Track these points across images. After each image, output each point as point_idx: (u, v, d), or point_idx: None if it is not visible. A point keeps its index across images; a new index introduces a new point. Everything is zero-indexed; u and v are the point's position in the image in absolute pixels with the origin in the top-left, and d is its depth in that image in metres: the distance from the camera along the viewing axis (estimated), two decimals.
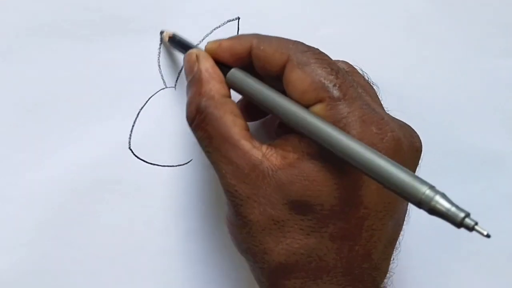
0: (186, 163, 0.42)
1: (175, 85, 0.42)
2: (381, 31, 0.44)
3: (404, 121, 0.38)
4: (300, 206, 0.34)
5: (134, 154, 0.42)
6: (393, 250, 0.38)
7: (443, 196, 0.30)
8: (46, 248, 0.41)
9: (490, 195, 0.46)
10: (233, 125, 0.36)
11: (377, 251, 0.36)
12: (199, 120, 0.37)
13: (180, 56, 0.41)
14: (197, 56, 0.38)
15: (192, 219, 0.43)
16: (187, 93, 0.38)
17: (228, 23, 0.42)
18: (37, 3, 0.40)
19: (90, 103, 0.41)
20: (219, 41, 0.38)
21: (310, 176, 0.34)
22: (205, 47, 0.39)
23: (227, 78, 0.38)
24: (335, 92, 0.35)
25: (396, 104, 0.40)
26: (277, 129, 0.40)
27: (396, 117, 0.37)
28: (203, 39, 0.42)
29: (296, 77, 0.35)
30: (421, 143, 0.37)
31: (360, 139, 0.34)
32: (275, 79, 0.37)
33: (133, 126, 0.42)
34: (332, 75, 0.35)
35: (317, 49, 0.37)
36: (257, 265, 0.36)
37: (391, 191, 0.31)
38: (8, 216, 0.40)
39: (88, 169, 0.41)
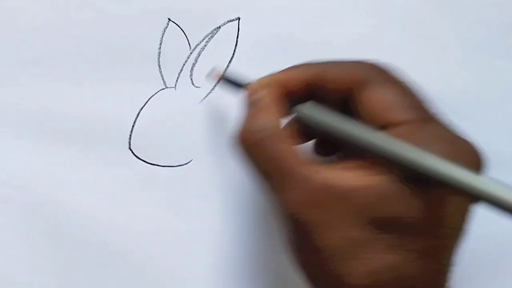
0: (186, 163, 0.42)
1: (175, 85, 0.42)
2: (380, 32, 0.44)
3: None
4: (386, 225, 0.33)
5: (134, 154, 0.42)
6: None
7: None
8: (46, 248, 0.41)
9: None
10: (297, 150, 0.34)
11: (448, 269, 0.35)
12: (257, 140, 0.35)
13: (180, 55, 0.41)
14: (266, 84, 0.36)
15: (192, 219, 0.43)
16: (247, 111, 0.36)
17: (229, 23, 0.42)
18: (37, 4, 0.40)
19: (90, 103, 0.41)
20: (282, 73, 0.37)
21: (394, 197, 0.33)
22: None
23: (299, 113, 0.36)
24: (414, 114, 0.34)
25: None
26: (317, 147, 0.39)
27: None
28: (203, 39, 0.42)
29: (370, 97, 0.34)
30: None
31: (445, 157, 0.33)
32: (338, 103, 0.36)
33: (133, 126, 0.42)
34: (408, 96, 0.35)
35: (388, 67, 0.36)
36: None
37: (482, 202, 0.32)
38: (8, 216, 0.40)
39: (88, 169, 0.41)
